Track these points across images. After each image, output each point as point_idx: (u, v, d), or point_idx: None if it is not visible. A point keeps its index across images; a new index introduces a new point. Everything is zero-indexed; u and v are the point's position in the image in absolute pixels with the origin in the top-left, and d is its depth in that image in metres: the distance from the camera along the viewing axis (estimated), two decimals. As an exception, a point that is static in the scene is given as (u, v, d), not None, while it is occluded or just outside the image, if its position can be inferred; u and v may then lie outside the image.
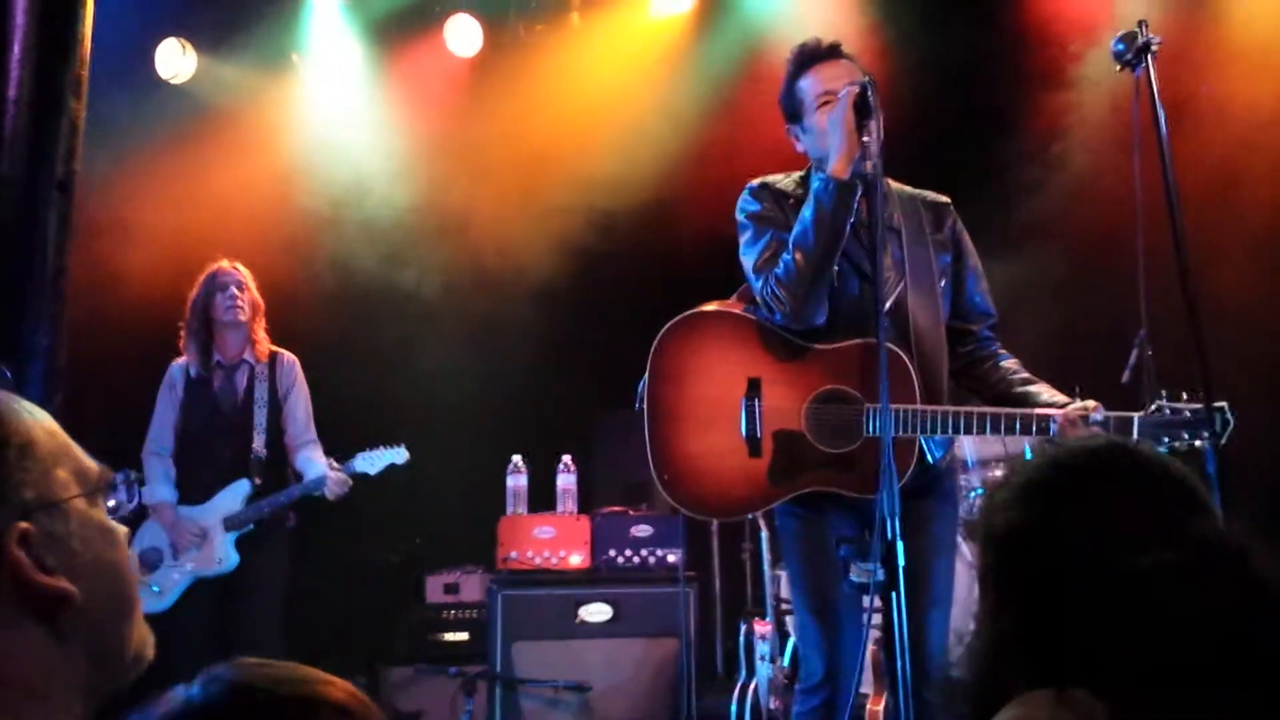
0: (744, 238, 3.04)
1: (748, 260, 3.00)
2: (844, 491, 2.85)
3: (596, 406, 6.38)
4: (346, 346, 6.12)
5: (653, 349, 3.04)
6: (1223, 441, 2.67)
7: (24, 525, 1.01)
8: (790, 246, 2.86)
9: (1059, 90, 5.67)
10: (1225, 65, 5.46)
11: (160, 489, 4.61)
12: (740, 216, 3.07)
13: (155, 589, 4.48)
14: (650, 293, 6.39)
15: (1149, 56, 2.70)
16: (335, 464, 4.61)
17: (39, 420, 1.09)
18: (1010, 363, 3.05)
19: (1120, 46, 2.80)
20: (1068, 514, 1.15)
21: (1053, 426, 2.76)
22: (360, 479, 4.66)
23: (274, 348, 4.77)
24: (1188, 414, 2.81)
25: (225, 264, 4.72)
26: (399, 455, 4.67)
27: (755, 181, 3.10)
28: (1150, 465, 1.21)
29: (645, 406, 3.01)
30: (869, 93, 2.76)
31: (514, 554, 5.10)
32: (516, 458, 5.34)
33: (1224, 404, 2.70)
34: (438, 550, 5.83)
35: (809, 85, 3.00)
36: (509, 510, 5.23)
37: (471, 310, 6.30)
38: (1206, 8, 5.57)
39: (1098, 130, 5.37)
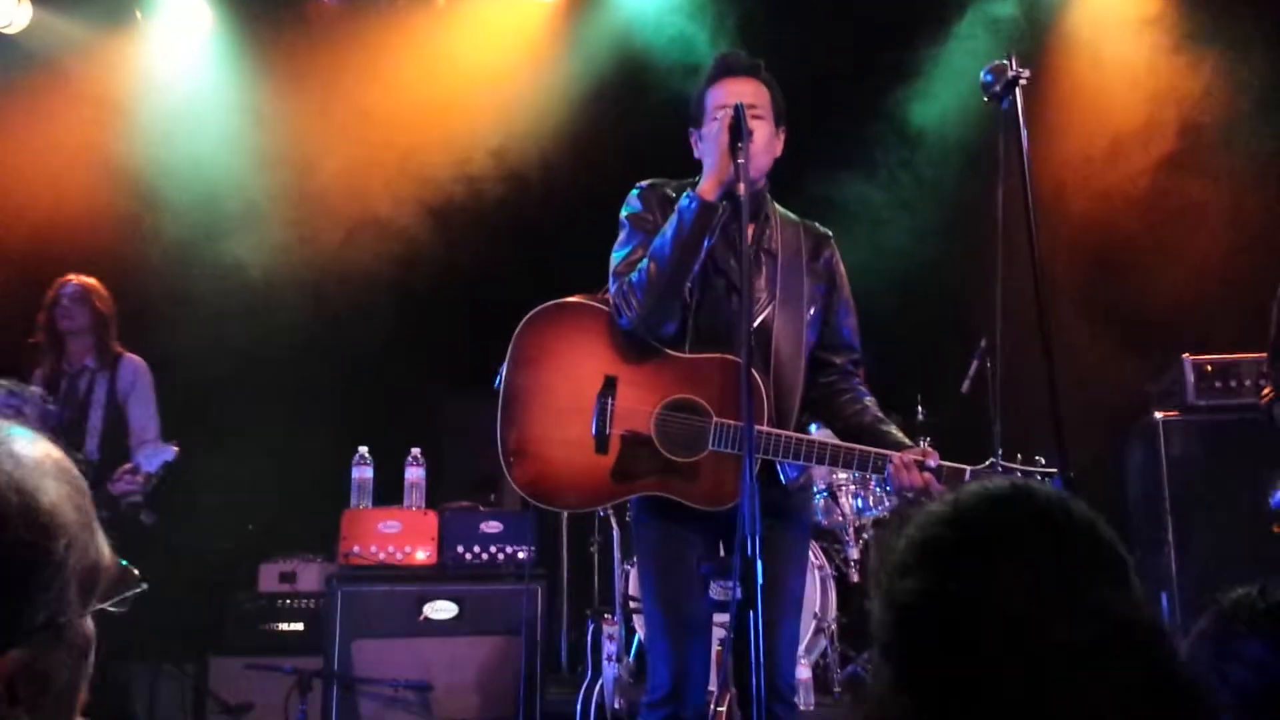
0: (619, 238, 3.02)
1: (613, 261, 2.99)
2: (686, 501, 2.86)
3: (447, 395, 6.24)
4: (173, 329, 5.68)
5: (515, 333, 3.02)
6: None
7: (14, 655, 0.93)
8: (648, 255, 2.87)
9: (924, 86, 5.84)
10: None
11: None
12: (622, 215, 3.04)
13: None
14: (506, 281, 6.29)
15: (1017, 90, 2.74)
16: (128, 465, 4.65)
17: (72, 489, 1.00)
18: (867, 400, 3.05)
19: (989, 78, 2.81)
20: (967, 585, 1.06)
21: (888, 468, 2.77)
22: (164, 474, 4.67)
23: (121, 351, 4.94)
24: (1019, 475, 2.74)
25: (71, 278, 4.94)
26: (168, 452, 4.65)
27: (645, 182, 3.06)
28: (1054, 515, 1.09)
29: (501, 389, 2.99)
30: (742, 117, 2.75)
31: (356, 548, 4.93)
32: (363, 449, 5.16)
33: (1054, 470, 2.63)
34: (273, 541, 5.55)
35: (714, 95, 2.99)
36: (353, 503, 5.05)
37: (315, 287, 6.00)
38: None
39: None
